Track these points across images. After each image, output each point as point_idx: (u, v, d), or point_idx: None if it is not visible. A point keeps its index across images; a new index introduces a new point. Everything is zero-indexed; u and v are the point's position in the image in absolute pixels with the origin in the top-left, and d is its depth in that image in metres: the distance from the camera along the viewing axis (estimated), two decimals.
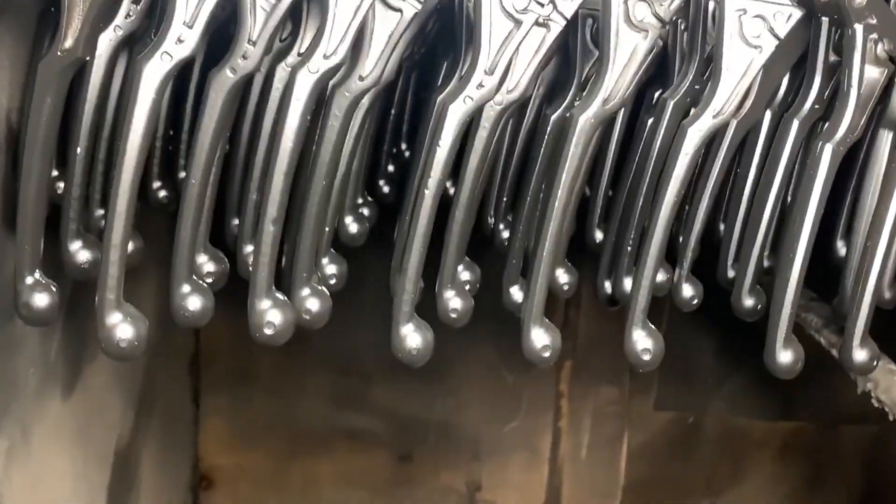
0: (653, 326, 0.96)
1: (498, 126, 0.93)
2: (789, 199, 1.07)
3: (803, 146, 1.01)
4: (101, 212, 0.98)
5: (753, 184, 1.09)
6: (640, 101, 1.08)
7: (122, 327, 0.83)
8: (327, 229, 1.02)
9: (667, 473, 2.02)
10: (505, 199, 1.20)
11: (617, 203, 1.12)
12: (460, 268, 1.04)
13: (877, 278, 0.97)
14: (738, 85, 0.89)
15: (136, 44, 0.94)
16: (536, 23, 0.87)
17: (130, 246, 0.94)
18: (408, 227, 0.91)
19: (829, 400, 1.87)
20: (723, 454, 2.01)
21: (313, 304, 0.93)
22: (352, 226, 1.17)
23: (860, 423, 1.93)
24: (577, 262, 1.17)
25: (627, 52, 0.89)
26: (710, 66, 0.94)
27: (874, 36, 0.88)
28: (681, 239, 1.11)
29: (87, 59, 0.85)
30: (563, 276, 1.14)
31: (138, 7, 0.91)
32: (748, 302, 1.07)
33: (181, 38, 0.81)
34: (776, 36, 0.88)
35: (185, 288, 0.89)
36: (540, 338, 0.94)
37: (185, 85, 1.08)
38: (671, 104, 0.98)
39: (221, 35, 0.88)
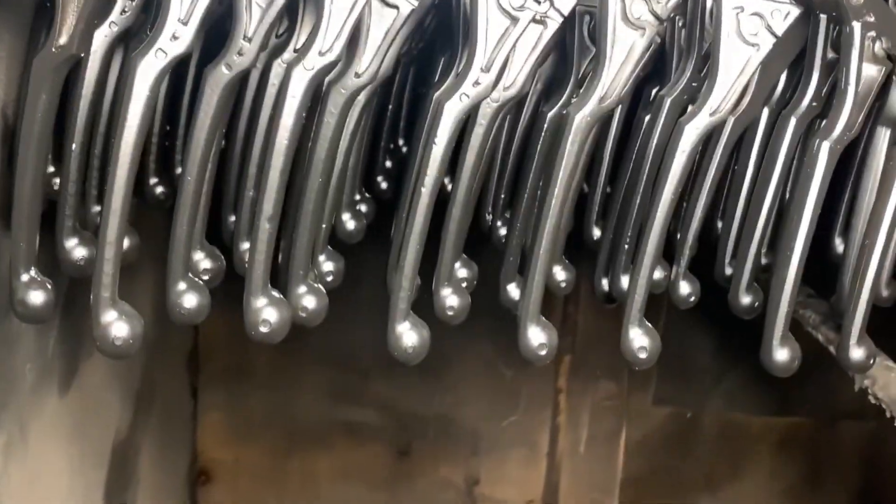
0: (649, 325, 0.96)
1: (494, 123, 0.92)
2: (787, 196, 1.07)
3: (801, 143, 1.00)
4: (97, 208, 0.98)
5: (751, 181, 1.08)
6: (638, 98, 1.08)
7: (117, 325, 0.83)
8: (324, 226, 1.01)
9: (665, 469, 2.03)
10: (502, 196, 1.20)
11: (614, 200, 1.12)
12: (457, 265, 1.04)
13: (874, 276, 0.97)
14: (735, 83, 0.89)
15: (132, 39, 0.93)
16: (533, 20, 0.87)
17: (126, 243, 0.95)
18: (404, 224, 0.91)
19: (827, 396, 1.87)
20: (721, 450, 2.02)
21: (309, 302, 0.92)
22: (349, 222, 1.17)
23: (858, 419, 1.94)
24: (575, 258, 1.17)
25: (624, 50, 0.89)
26: (707, 64, 0.94)
27: (872, 34, 0.88)
28: (678, 236, 1.11)
29: (82, 55, 0.84)
30: (560, 274, 1.14)
31: (133, 3, 0.91)
32: (745, 299, 1.07)
33: (176, 35, 0.81)
34: (773, 34, 0.88)
35: (181, 285, 0.88)
36: (536, 336, 0.94)
37: (181, 80, 1.08)
38: (668, 101, 0.98)
39: (218, 31, 0.88)
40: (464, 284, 1.05)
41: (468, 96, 0.87)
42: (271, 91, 0.93)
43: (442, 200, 0.92)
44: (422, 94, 1.15)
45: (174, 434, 1.84)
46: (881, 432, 1.93)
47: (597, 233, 1.20)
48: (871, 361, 1.01)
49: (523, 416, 1.98)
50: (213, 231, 1.04)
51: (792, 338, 0.97)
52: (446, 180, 1.02)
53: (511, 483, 2.02)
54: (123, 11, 0.90)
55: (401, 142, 1.34)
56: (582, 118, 0.89)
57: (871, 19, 0.87)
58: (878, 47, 0.88)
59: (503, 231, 1.20)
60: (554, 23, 0.88)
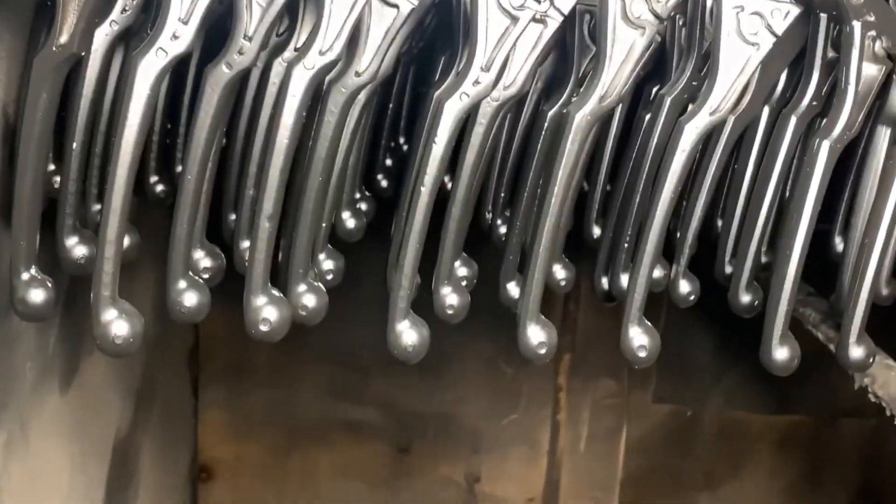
0: (649, 323, 0.96)
1: (495, 122, 0.92)
2: (787, 195, 1.07)
3: (801, 142, 1.00)
4: (97, 207, 0.98)
5: (751, 180, 1.08)
6: (639, 96, 1.08)
7: (117, 324, 0.83)
8: (324, 225, 1.02)
9: (665, 466, 2.03)
10: (503, 194, 1.20)
11: (614, 199, 1.12)
12: (457, 264, 1.04)
13: (874, 275, 0.97)
14: (735, 82, 0.89)
15: (133, 38, 0.93)
16: (533, 19, 0.87)
17: (127, 241, 0.95)
18: (404, 223, 0.91)
19: (827, 394, 1.87)
20: (721, 448, 2.02)
21: (309, 301, 0.92)
22: (349, 221, 1.17)
23: (858, 416, 1.94)
24: (576, 257, 1.17)
25: (624, 49, 0.89)
26: (708, 63, 0.94)
27: (872, 33, 0.88)
28: (678, 235, 1.11)
29: (83, 54, 0.84)
30: (560, 272, 1.14)
31: (134, 2, 0.90)
32: (745, 298, 1.07)
33: (176, 34, 0.81)
34: (774, 33, 0.88)
35: (182, 284, 0.88)
36: (536, 335, 0.94)
37: (182, 79, 1.08)
38: (668, 100, 0.98)
39: (219, 30, 0.88)
40: (463, 283, 1.06)
41: (468, 95, 0.87)
42: (272, 90, 0.93)
43: (442, 199, 0.92)
44: (422, 93, 1.15)
45: (175, 432, 1.85)
46: (881, 430, 1.93)
47: (597, 231, 1.20)
48: (871, 360, 1.01)
49: (524, 414, 1.98)
50: (214, 229, 1.04)
51: (791, 336, 0.97)
52: (446, 179, 1.02)
53: (511, 481, 2.02)
54: (124, 10, 0.90)
55: (401, 140, 1.34)
56: (582, 117, 0.89)
57: (872, 18, 0.87)
58: (879, 46, 0.88)
59: (503, 229, 1.20)
60: (554, 22, 0.88)
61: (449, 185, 0.99)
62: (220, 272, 1.01)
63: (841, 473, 2.02)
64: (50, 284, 0.88)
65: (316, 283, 0.94)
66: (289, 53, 0.90)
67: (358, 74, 0.88)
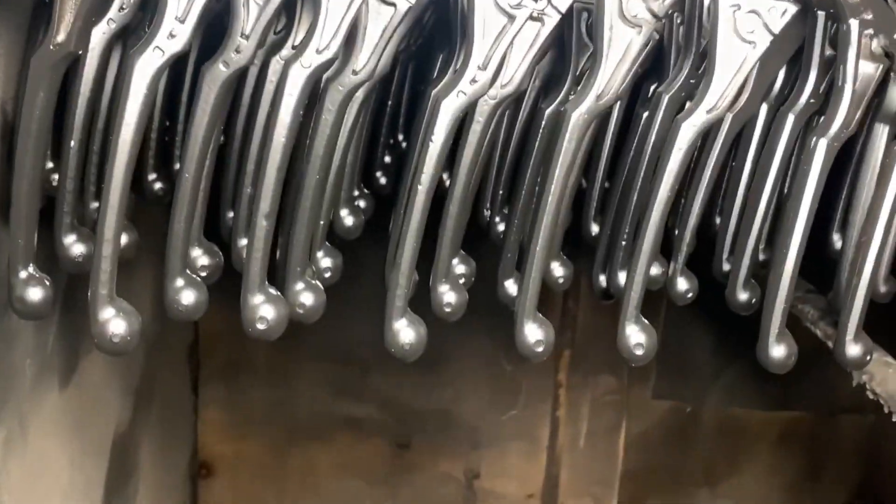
0: (646, 321, 0.96)
1: (492, 120, 0.93)
2: (785, 192, 1.07)
3: (799, 140, 1.00)
4: (95, 205, 0.98)
5: (749, 178, 1.08)
6: (637, 94, 1.08)
7: (114, 322, 0.83)
8: (322, 223, 1.02)
9: (665, 463, 2.03)
10: (501, 192, 1.19)
11: (612, 197, 1.12)
12: (455, 261, 1.04)
13: (871, 273, 0.97)
14: (732, 80, 0.89)
15: (130, 37, 0.93)
16: (531, 17, 0.87)
17: (125, 239, 0.95)
18: (401, 221, 0.91)
19: (826, 390, 1.87)
20: (720, 444, 2.02)
21: (307, 299, 0.93)
22: (347, 218, 1.17)
23: (857, 413, 1.94)
24: (575, 253, 1.17)
25: (621, 48, 0.89)
26: (705, 61, 0.94)
27: (869, 31, 0.88)
28: (676, 232, 1.11)
29: (80, 52, 0.84)
30: (558, 270, 1.14)
31: (131, 0, 0.90)
32: (742, 296, 1.07)
33: (173, 33, 0.81)
34: (770, 31, 0.88)
35: (179, 282, 0.89)
36: (533, 332, 0.94)
37: (181, 76, 1.08)
38: (666, 98, 0.98)
39: (217, 27, 0.88)
40: (461, 281, 1.06)
41: (465, 94, 0.87)
42: (269, 88, 0.93)
43: (440, 197, 0.92)
44: (422, 90, 1.15)
45: (175, 429, 1.85)
46: (880, 427, 1.93)
47: (595, 229, 1.20)
48: (868, 358, 1.01)
49: (523, 411, 1.98)
50: (212, 227, 1.04)
51: (788, 334, 0.97)
52: (444, 176, 1.02)
53: (511, 477, 2.02)
54: (121, 9, 0.90)
55: (400, 137, 1.34)
56: (579, 115, 0.89)
57: (869, 17, 0.87)
58: (876, 44, 0.88)
59: (501, 227, 1.20)
60: (551, 20, 0.88)
61: (447, 183, 0.99)
62: (217, 270, 1.01)
63: (840, 469, 2.02)
64: (48, 282, 0.88)
65: (314, 281, 0.94)
66: (286, 52, 0.90)
67: (355, 73, 0.88)
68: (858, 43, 0.87)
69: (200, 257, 0.99)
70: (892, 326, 1.14)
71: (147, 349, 1.51)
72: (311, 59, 0.84)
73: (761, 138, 1.05)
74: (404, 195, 0.96)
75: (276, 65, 0.91)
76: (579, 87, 0.92)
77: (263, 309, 0.87)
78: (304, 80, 0.84)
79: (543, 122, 1.01)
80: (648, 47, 0.91)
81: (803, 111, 0.97)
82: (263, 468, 1.98)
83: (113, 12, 0.90)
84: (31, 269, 0.87)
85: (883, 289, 1.12)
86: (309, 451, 1.98)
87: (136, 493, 1.51)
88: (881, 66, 0.89)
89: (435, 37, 1.09)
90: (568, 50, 1.01)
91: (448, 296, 0.99)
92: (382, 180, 1.33)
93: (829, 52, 0.93)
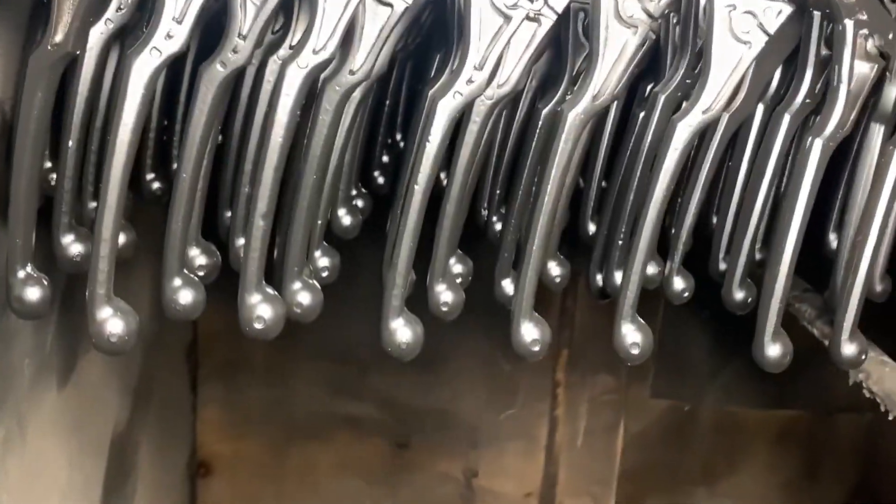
0: (642, 320, 0.96)
1: (489, 120, 0.93)
2: (781, 192, 1.07)
3: (795, 140, 1.01)
4: (93, 204, 0.98)
5: (745, 177, 1.09)
6: (634, 93, 1.08)
7: (112, 322, 0.83)
8: (319, 222, 1.02)
9: (663, 462, 2.03)
10: (498, 191, 1.20)
11: (609, 196, 1.12)
12: (452, 261, 1.05)
13: (867, 272, 0.97)
14: (727, 81, 0.90)
15: (128, 37, 0.94)
16: (527, 17, 0.87)
17: (123, 239, 0.95)
18: (398, 221, 0.91)
19: (823, 389, 1.87)
20: (718, 443, 2.02)
21: (304, 298, 0.93)
22: (345, 218, 1.18)
23: (854, 412, 1.94)
24: (574, 252, 1.18)
25: (617, 48, 0.89)
26: (701, 61, 0.94)
27: (864, 31, 0.88)
28: (673, 232, 1.11)
29: (78, 52, 0.85)
30: (555, 269, 1.15)
31: (129, 0, 0.91)
32: (738, 295, 1.08)
33: (170, 34, 0.81)
34: (766, 32, 0.88)
35: (177, 281, 0.89)
36: (529, 332, 0.94)
37: (179, 76, 1.08)
38: (662, 98, 0.98)
39: (214, 27, 0.88)
40: (458, 280, 1.06)
41: (462, 94, 0.87)
42: (266, 88, 0.93)
43: (437, 196, 0.93)
44: (419, 90, 1.15)
45: (173, 428, 1.85)
46: (877, 425, 1.94)
47: (592, 228, 1.20)
48: (863, 357, 1.01)
49: (521, 410, 1.99)
50: (209, 227, 1.04)
51: (784, 333, 0.98)
52: (441, 176, 1.02)
53: (509, 476, 2.02)
54: (119, 9, 0.90)
55: (398, 137, 1.34)
56: (575, 116, 0.90)
57: (864, 17, 0.88)
58: (871, 45, 0.89)
59: (498, 227, 1.20)
60: (548, 20, 0.88)
61: (444, 183, 1.00)
62: (215, 269, 1.01)
63: (837, 468, 2.02)
64: (46, 282, 0.88)
65: (311, 281, 0.95)
66: (283, 52, 0.90)
67: (352, 73, 0.89)
68: (854, 43, 0.88)
69: (198, 257, 0.99)
70: (888, 325, 1.14)
71: (145, 349, 1.51)
72: (308, 60, 0.84)
73: (757, 138, 1.06)
74: (401, 195, 0.96)
75: (273, 65, 0.92)
76: (576, 87, 0.93)
77: (261, 308, 0.88)
78: (301, 80, 0.85)
79: (540, 122, 1.01)
80: (644, 47, 0.91)
81: (799, 111, 0.98)
82: (262, 467, 1.98)
83: (111, 12, 0.91)
84: (29, 268, 0.87)
85: (878, 288, 1.13)
86: (308, 450, 1.98)
87: (134, 493, 1.51)
88: (876, 66, 0.89)
89: (432, 37, 1.10)
90: (564, 50, 1.02)
91: (445, 295, 0.99)
92: (380, 180, 1.34)
93: (824, 52, 0.94)
